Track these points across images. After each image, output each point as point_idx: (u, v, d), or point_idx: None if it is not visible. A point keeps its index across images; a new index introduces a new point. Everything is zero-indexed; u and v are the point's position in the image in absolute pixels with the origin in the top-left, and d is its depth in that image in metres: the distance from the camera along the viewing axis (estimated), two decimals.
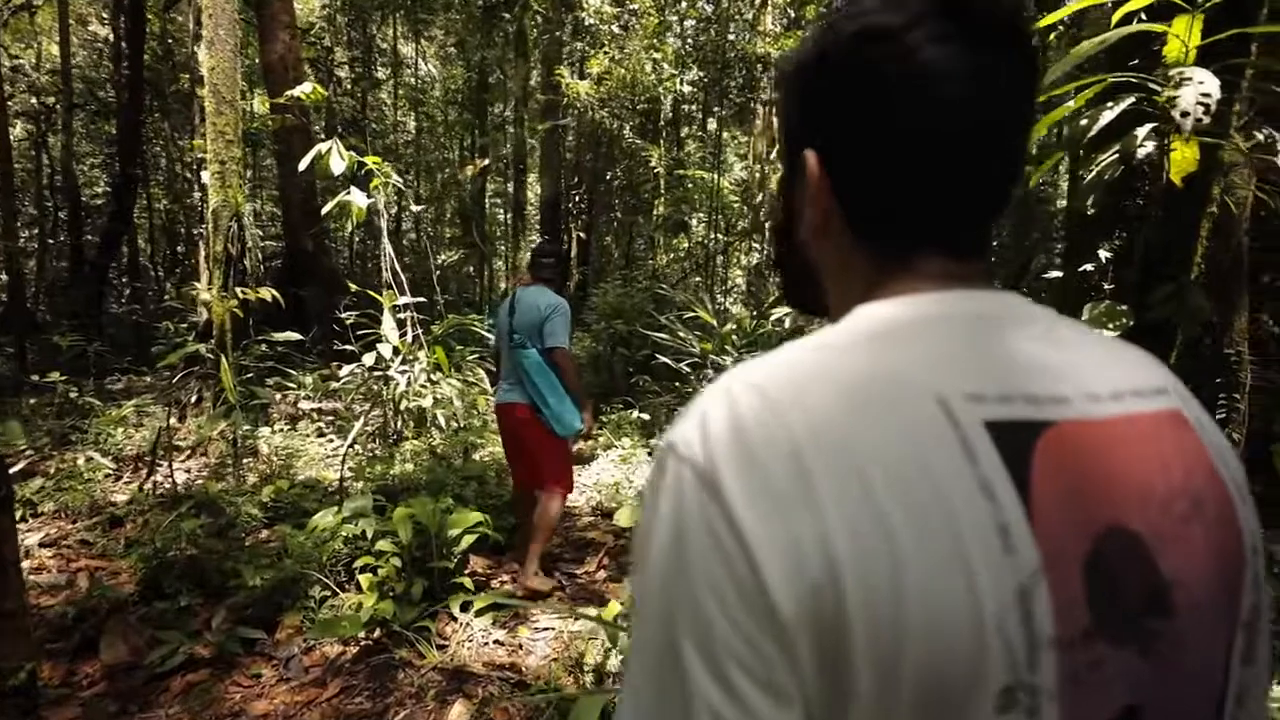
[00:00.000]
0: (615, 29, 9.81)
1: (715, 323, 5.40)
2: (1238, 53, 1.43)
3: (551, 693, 2.26)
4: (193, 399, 5.02)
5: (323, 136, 12.30)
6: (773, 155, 10.30)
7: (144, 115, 10.92)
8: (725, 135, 13.86)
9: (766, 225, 8.99)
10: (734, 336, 5.04)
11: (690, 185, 11.11)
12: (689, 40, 11.58)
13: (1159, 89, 1.26)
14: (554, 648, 2.64)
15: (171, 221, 13.55)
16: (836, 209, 0.51)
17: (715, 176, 11.45)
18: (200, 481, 3.88)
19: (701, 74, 11.26)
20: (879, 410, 0.38)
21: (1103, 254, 1.81)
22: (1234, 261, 2.14)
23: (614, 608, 2.49)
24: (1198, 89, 1.13)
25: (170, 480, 3.83)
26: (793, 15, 10.47)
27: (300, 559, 2.91)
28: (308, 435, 4.81)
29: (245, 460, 4.12)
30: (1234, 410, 2.09)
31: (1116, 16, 1.40)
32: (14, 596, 1.93)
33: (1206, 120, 1.13)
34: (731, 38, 11.32)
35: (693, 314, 5.48)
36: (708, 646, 0.36)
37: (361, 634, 2.57)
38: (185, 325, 5.74)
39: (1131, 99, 1.34)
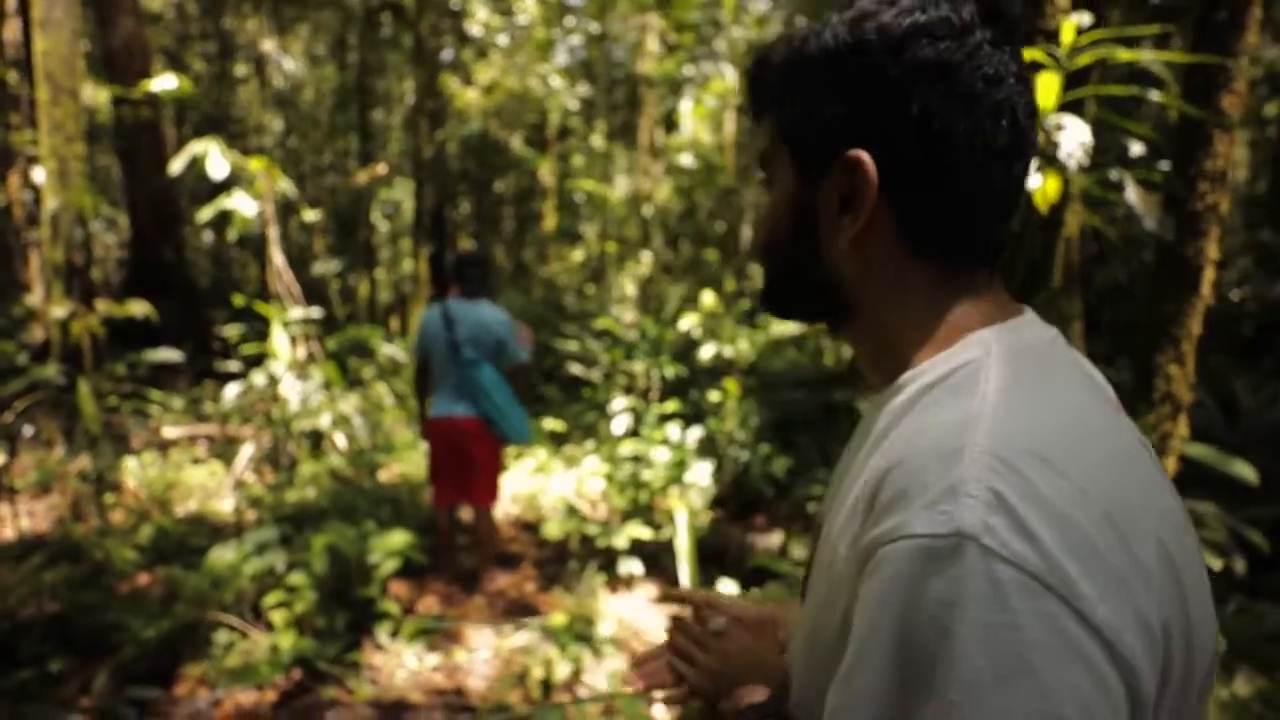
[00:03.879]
0: (502, 41, 9.73)
1: (623, 333, 5.51)
2: (1077, 103, 1.75)
3: (502, 713, 2.22)
4: (29, 431, 4.33)
5: (174, 137, 11.07)
6: (657, 170, 10.66)
7: None
8: (611, 149, 14.13)
9: (671, 244, 9.28)
10: (642, 344, 5.17)
11: (581, 198, 11.22)
12: (576, 55, 11.74)
13: (1047, 132, 1.51)
14: (494, 666, 2.58)
15: None
16: (887, 217, 0.48)
17: (604, 188, 11.64)
18: (58, 526, 3.36)
19: (589, 88, 11.44)
20: (1127, 460, 0.41)
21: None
22: (1069, 274, 2.56)
23: (558, 618, 2.48)
24: (1076, 136, 1.39)
25: (15, 526, 3.29)
26: (670, 41, 10.92)
27: (195, 602, 2.62)
28: (181, 465, 4.32)
29: (107, 498, 3.62)
30: None
31: None
32: None
33: (1086, 161, 1.38)
34: (620, 53, 11.60)
35: (600, 323, 5.55)
36: None
37: (280, 677, 2.37)
38: (10, 346, 4.95)
39: None
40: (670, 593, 0.79)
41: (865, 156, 0.46)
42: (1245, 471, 1.57)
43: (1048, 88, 1.71)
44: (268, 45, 13.19)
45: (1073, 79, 1.86)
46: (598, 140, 13.46)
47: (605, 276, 11.22)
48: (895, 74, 0.45)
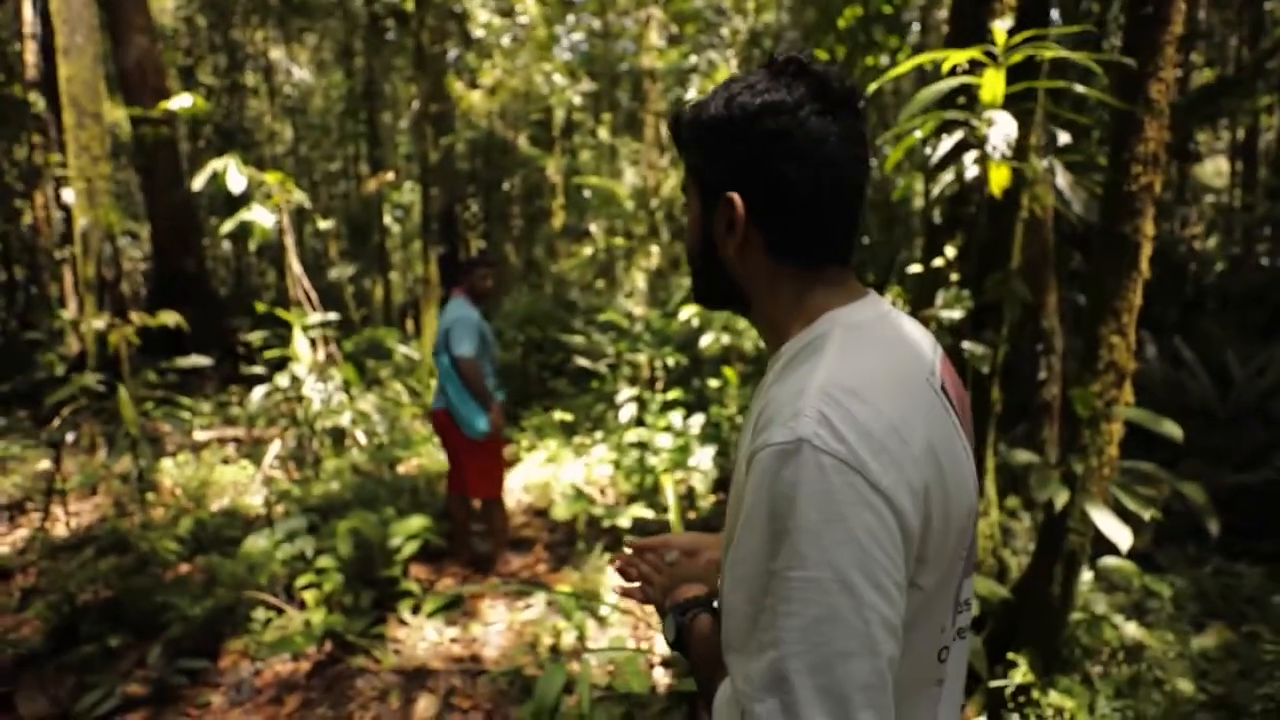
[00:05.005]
0: (505, 42, 9.89)
1: (626, 325, 5.68)
2: (1029, 97, 1.89)
3: (512, 674, 2.42)
4: (70, 437, 4.62)
5: (187, 150, 11.40)
6: (664, 163, 10.79)
7: None
8: (617, 143, 14.26)
9: (679, 237, 9.42)
10: (646, 336, 5.34)
11: (588, 194, 11.37)
12: (579, 53, 11.86)
13: (976, 126, 1.66)
14: (508, 637, 2.79)
15: (6, 244, 12.00)
16: (756, 235, 0.69)
17: (612, 183, 11.79)
18: (104, 522, 3.63)
19: (593, 85, 11.56)
20: (914, 394, 0.63)
21: (949, 252, 2.25)
22: (1043, 254, 2.69)
23: (564, 589, 2.68)
24: (1002, 129, 1.53)
25: (66, 524, 3.56)
26: (674, 31, 11.02)
27: (234, 585, 2.86)
28: (213, 465, 4.58)
29: (148, 496, 3.89)
30: (1051, 370, 2.63)
31: (945, 68, 1.80)
32: None
33: (1009, 153, 1.53)
34: (624, 46, 11.71)
35: (605, 317, 5.73)
36: (870, 571, 0.54)
37: (312, 649, 2.60)
38: (52, 357, 5.26)
39: (960, 134, 1.75)
40: (632, 542, 0.99)
41: (736, 196, 0.68)
42: (1173, 430, 1.70)
43: (992, 83, 1.85)
44: (276, 54, 13.49)
45: (1020, 75, 1.99)
46: (604, 134, 13.60)
47: (614, 271, 11.40)
48: (752, 138, 0.67)
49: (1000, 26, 1.63)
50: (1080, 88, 1.64)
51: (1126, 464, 1.88)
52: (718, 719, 0.66)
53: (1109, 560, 2.45)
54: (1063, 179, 1.65)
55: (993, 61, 1.73)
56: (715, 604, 0.78)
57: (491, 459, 3.28)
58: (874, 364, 0.63)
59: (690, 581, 0.87)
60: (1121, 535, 1.75)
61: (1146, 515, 1.61)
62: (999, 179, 1.89)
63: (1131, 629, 2.31)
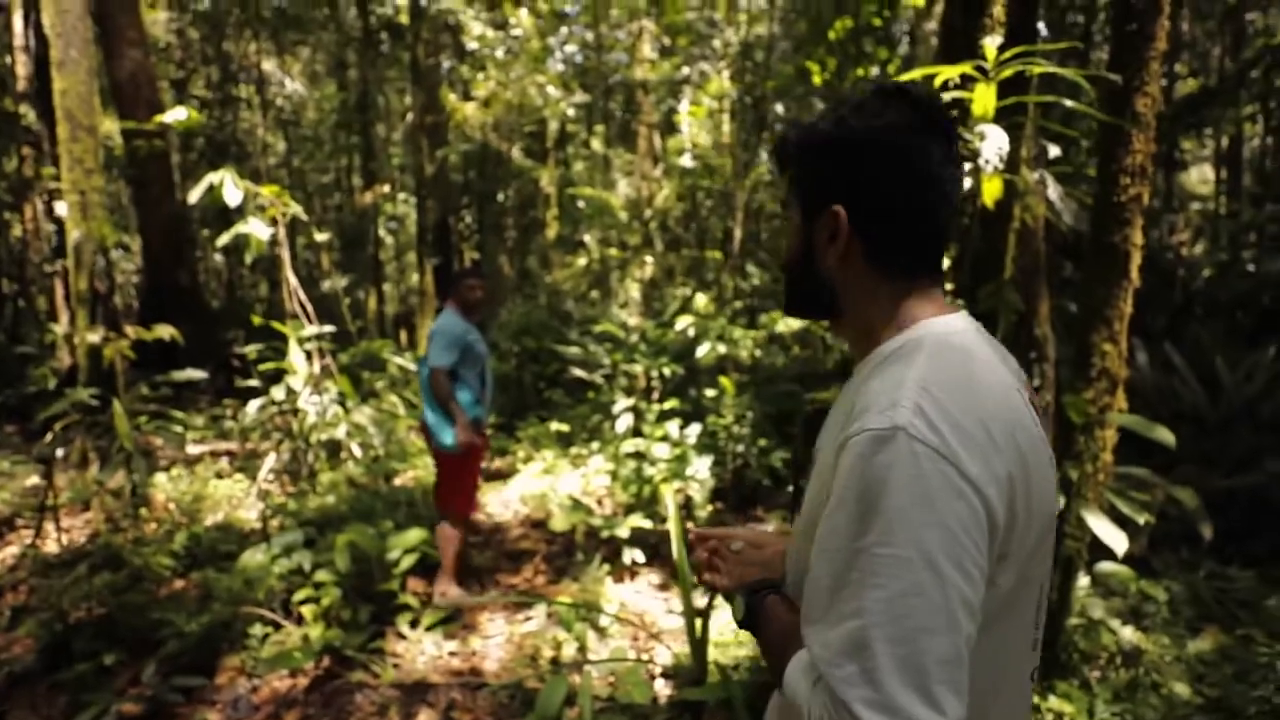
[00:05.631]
0: (499, 54, 9.95)
1: (622, 335, 5.70)
2: (1020, 111, 1.93)
3: (513, 687, 2.41)
4: (61, 452, 4.57)
5: (178, 162, 11.37)
6: (657, 173, 10.87)
7: None
8: (611, 154, 14.34)
9: (672, 248, 9.46)
10: (642, 346, 5.36)
11: (582, 204, 11.42)
12: (572, 65, 11.94)
13: (969, 139, 1.69)
14: (507, 650, 2.78)
15: None
16: (858, 246, 0.75)
17: (605, 194, 11.84)
18: (97, 538, 3.60)
19: (587, 97, 11.64)
20: (1004, 397, 0.68)
21: (944, 262, 2.29)
22: (1035, 263, 2.73)
23: (564, 601, 2.67)
24: (994, 142, 1.56)
25: (58, 540, 3.53)
26: (667, 43, 11.13)
27: (230, 600, 2.84)
28: (207, 479, 4.55)
29: (141, 511, 3.85)
30: (1044, 377, 2.65)
31: (937, 83, 1.84)
32: None
33: (1001, 165, 1.56)
34: (617, 58, 11.80)
35: (600, 328, 5.75)
36: (954, 553, 0.58)
37: (310, 664, 2.58)
38: (45, 371, 5.22)
39: None
40: (699, 531, 1.00)
41: (840, 209, 0.74)
42: (1165, 436, 1.73)
43: (983, 98, 1.89)
44: (269, 66, 13.51)
45: (1010, 89, 2.03)
46: (597, 145, 13.67)
47: (608, 282, 11.43)
48: (864, 156, 0.73)
49: (990, 43, 1.67)
50: (1069, 102, 1.68)
51: (1121, 470, 1.90)
52: (790, 688, 0.68)
53: (1105, 565, 2.47)
54: (1054, 190, 1.69)
55: (983, 76, 1.77)
56: (781, 588, 0.84)
57: (459, 475, 3.14)
58: (967, 368, 0.68)
59: (757, 567, 0.91)
60: (1117, 540, 1.77)
61: (1141, 520, 1.63)
62: (991, 191, 1.93)
63: (1128, 633, 2.33)
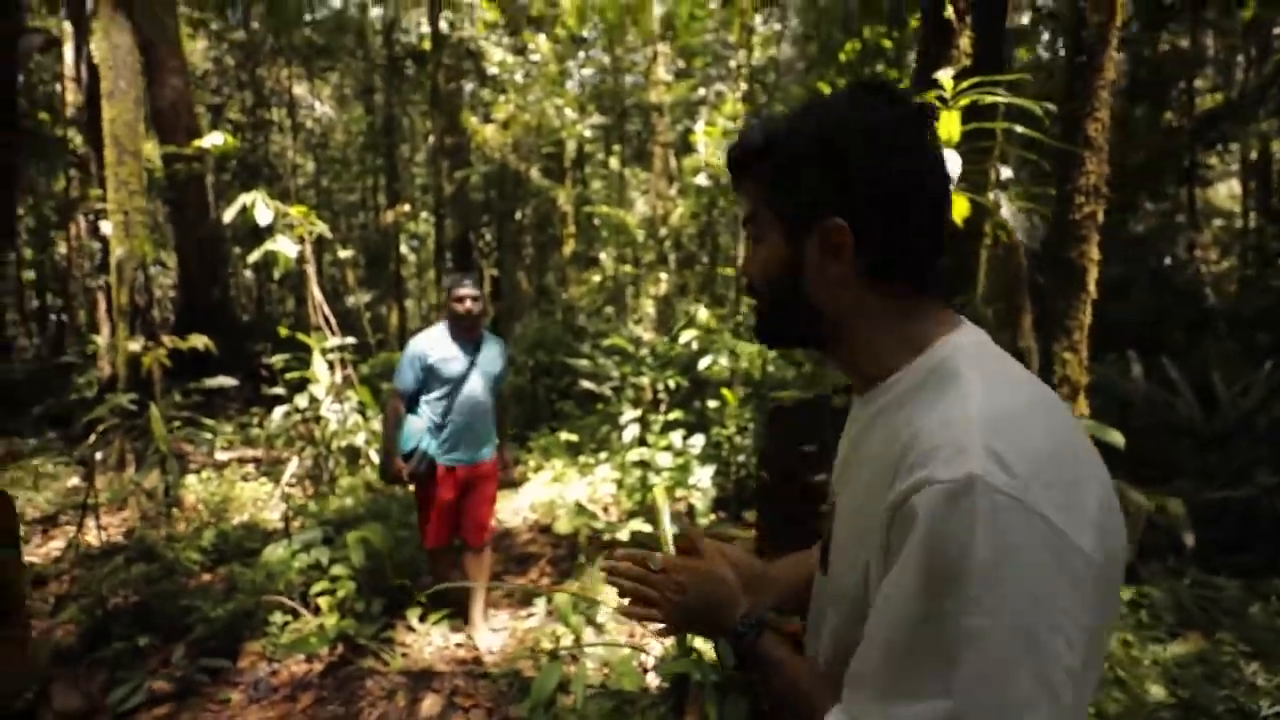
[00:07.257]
0: (518, 78, 10.31)
1: (631, 349, 5.88)
2: (985, 136, 2.08)
3: (512, 675, 2.56)
4: (99, 455, 4.86)
5: (212, 182, 11.90)
6: (672, 192, 11.11)
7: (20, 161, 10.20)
8: (627, 173, 14.67)
9: (686, 265, 9.66)
10: (649, 359, 5.52)
11: (598, 222, 11.70)
12: (589, 87, 12.31)
13: None
14: (509, 642, 2.93)
15: (40, 273, 12.53)
16: (857, 263, 0.63)
17: (621, 212, 12.12)
18: (133, 533, 3.84)
19: (603, 118, 11.98)
20: (1064, 418, 0.58)
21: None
22: (1016, 277, 2.85)
23: (562, 596, 2.82)
24: (951, 165, 1.72)
25: (98, 535, 3.77)
26: (681, 65, 11.43)
27: (253, 591, 3.03)
28: (234, 482, 4.79)
29: (174, 510, 4.10)
30: None
31: None
32: (20, 620, 2.04)
33: (956, 185, 1.71)
34: (633, 81, 12.13)
35: (610, 342, 5.93)
36: (1051, 616, 0.50)
37: (325, 650, 2.75)
38: (88, 379, 5.54)
39: None
40: (609, 564, 0.85)
41: (842, 222, 0.62)
42: (1115, 438, 1.84)
43: (946, 124, 2.05)
44: (299, 90, 14.11)
45: (978, 116, 2.19)
46: (614, 165, 13.98)
47: (623, 298, 11.64)
48: (858, 160, 0.62)
49: (944, 74, 1.83)
50: (1020, 128, 1.82)
51: None
52: None
53: None
54: (1006, 209, 1.83)
55: (943, 105, 1.93)
56: (764, 617, 0.76)
57: (420, 503, 2.92)
58: (1021, 391, 0.59)
59: (711, 584, 0.79)
60: None
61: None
62: (959, 209, 2.08)
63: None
